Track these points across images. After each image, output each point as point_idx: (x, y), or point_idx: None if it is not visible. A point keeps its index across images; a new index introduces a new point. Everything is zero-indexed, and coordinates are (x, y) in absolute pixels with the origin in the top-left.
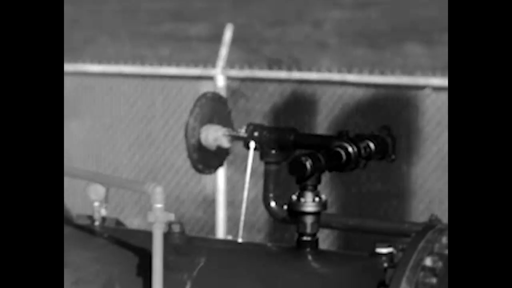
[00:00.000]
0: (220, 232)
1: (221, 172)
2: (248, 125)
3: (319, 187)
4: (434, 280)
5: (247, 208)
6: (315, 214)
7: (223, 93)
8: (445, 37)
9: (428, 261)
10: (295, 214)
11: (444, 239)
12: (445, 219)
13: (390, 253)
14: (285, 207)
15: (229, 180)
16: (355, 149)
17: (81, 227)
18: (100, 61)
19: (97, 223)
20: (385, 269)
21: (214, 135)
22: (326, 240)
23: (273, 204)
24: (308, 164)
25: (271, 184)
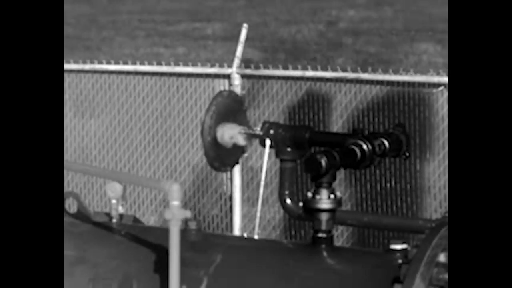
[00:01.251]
0: (237, 229)
1: (237, 169)
2: (264, 123)
3: (334, 184)
4: (447, 276)
5: (263, 205)
6: (330, 211)
7: (238, 91)
8: None
9: (442, 257)
10: (311, 211)
11: None
12: None
13: (404, 250)
14: (301, 204)
15: (245, 177)
16: (370, 147)
17: (99, 224)
18: (117, 60)
19: (114, 220)
20: (400, 265)
21: (230, 133)
22: (341, 236)
23: (288, 201)
24: (324, 161)
25: (286, 181)
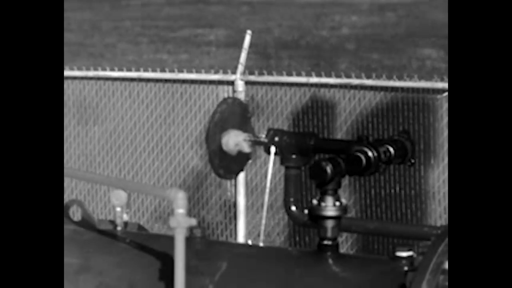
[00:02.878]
0: (241, 236)
1: (241, 176)
2: (269, 130)
3: (339, 191)
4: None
5: (267, 212)
6: (336, 218)
7: (242, 98)
8: None
9: (448, 265)
10: (316, 218)
11: None
12: None
13: (410, 257)
14: (306, 211)
15: (249, 184)
16: (375, 154)
17: (103, 232)
18: (120, 67)
19: (119, 228)
20: (406, 273)
21: (234, 140)
22: (346, 243)
23: (293, 208)
24: (329, 168)
25: (291, 188)
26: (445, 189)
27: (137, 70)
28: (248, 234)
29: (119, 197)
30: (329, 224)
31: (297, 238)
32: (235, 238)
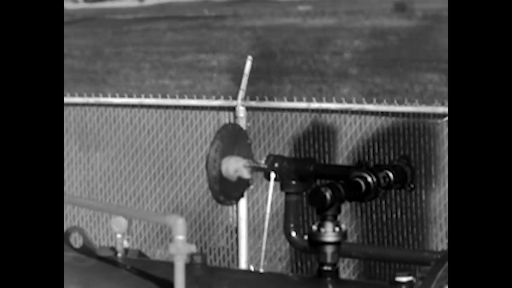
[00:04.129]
0: (243, 261)
1: (243, 202)
2: (268, 156)
3: (339, 216)
4: None
5: (268, 237)
6: (336, 244)
7: (243, 123)
8: None
9: None
10: (316, 244)
11: None
12: None
13: (410, 282)
14: (306, 237)
15: (250, 210)
16: (374, 179)
17: (104, 259)
18: (122, 93)
19: (119, 254)
20: None
21: (234, 167)
22: (348, 268)
23: (293, 234)
24: (328, 194)
25: (291, 214)
26: (446, 213)
27: (139, 96)
28: (250, 260)
29: (119, 224)
30: (329, 249)
31: (299, 264)
32: (237, 263)
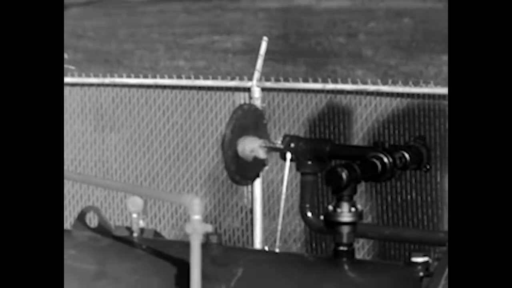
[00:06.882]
0: (258, 242)
1: (258, 183)
2: (284, 137)
3: (355, 197)
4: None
5: (283, 218)
6: (351, 224)
7: (258, 104)
8: None
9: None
10: (332, 224)
11: None
12: None
13: (425, 262)
14: (322, 217)
15: (266, 191)
16: (391, 160)
17: (120, 239)
18: (137, 74)
19: (135, 234)
20: (421, 278)
21: (250, 147)
22: (362, 249)
23: (309, 214)
24: (344, 174)
25: (307, 194)
26: None
27: (154, 77)
28: (265, 241)
29: (135, 203)
30: (345, 230)
31: (314, 244)
32: (252, 244)
